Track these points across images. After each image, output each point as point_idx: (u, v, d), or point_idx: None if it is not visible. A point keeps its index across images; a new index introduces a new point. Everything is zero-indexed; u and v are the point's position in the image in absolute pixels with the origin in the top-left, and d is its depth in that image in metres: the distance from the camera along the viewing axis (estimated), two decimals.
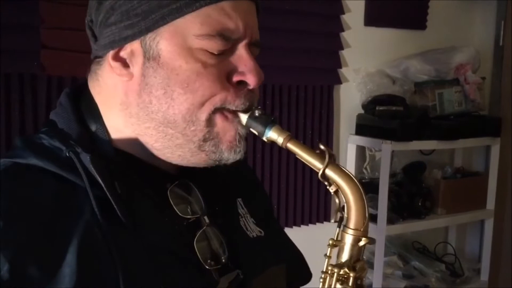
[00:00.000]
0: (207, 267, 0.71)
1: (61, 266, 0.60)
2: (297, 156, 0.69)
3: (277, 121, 0.70)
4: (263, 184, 2.15)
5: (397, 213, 2.33)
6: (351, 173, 0.67)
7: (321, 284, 0.68)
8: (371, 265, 2.35)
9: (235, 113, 0.70)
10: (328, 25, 2.34)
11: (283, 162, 2.23)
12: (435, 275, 2.43)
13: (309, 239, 2.38)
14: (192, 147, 0.69)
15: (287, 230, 2.24)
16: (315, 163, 0.68)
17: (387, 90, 2.41)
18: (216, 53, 0.67)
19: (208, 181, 0.78)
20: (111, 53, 0.69)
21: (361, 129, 2.39)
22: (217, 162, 0.71)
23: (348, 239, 0.67)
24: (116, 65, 0.69)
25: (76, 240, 0.62)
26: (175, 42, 0.66)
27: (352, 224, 0.67)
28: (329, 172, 0.67)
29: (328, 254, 0.67)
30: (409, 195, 2.40)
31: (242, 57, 0.69)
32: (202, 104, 0.67)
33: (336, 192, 0.67)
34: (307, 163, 0.68)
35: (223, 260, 0.73)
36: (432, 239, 2.71)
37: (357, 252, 0.67)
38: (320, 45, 2.33)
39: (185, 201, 0.75)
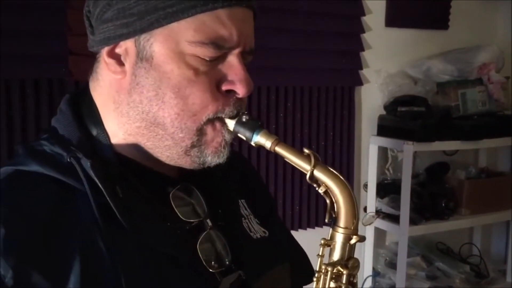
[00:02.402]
0: (210, 269, 0.72)
1: (67, 274, 0.61)
2: (285, 159, 0.69)
3: (264, 126, 0.70)
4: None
5: (420, 214, 2.32)
6: (338, 173, 0.68)
7: (315, 283, 0.68)
8: (394, 266, 2.35)
9: (223, 120, 0.70)
10: (349, 26, 2.35)
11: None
12: (460, 276, 2.41)
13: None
14: (180, 150, 0.70)
15: (307, 232, 2.27)
16: (303, 165, 0.68)
17: (409, 91, 2.41)
18: (207, 59, 0.67)
19: (210, 184, 0.78)
20: (106, 49, 0.69)
21: (383, 130, 2.39)
22: (201, 165, 0.72)
23: (339, 238, 0.67)
24: (111, 62, 0.69)
25: (80, 247, 0.62)
26: (168, 46, 0.66)
27: (342, 223, 0.67)
28: (317, 173, 0.67)
29: (320, 254, 0.68)
30: (432, 195, 2.39)
31: (233, 65, 0.69)
32: (194, 114, 0.68)
33: (325, 192, 0.68)
34: (295, 166, 0.69)
35: (227, 262, 0.74)
36: (457, 240, 2.69)
37: (349, 250, 0.68)
38: (341, 47, 2.35)
39: (188, 204, 0.75)
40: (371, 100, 2.46)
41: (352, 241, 0.67)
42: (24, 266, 0.60)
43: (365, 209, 2.44)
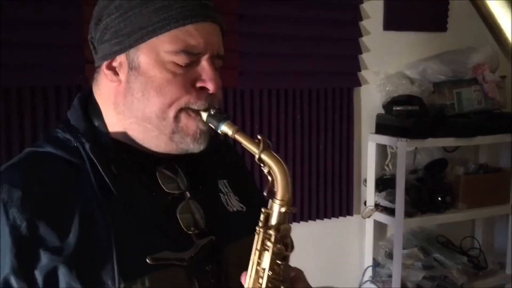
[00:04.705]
0: (189, 232, 0.89)
1: (68, 228, 0.79)
2: (242, 144, 0.86)
3: (230, 118, 0.88)
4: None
5: (417, 208, 2.45)
6: (280, 158, 0.83)
7: (254, 242, 0.83)
8: (391, 256, 2.48)
9: (197, 112, 0.88)
10: (348, 31, 2.50)
11: (305, 158, 2.42)
12: (456, 267, 2.51)
13: (330, 233, 2.55)
14: (165, 138, 0.88)
15: (309, 224, 2.43)
16: (254, 149, 0.83)
17: (406, 91, 2.53)
18: (183, 65, 0.85)
19: (193, 165, 0.95)
20: (105, 63, 0.89)
21: (381, 128, 2.53)
22: (185, 151, 0.90)
23: (276, 207, 0.83)
24: (109, 73, 0.88)
25: (80, 209, 0.81)
26: (151, 56, 0.85)
27: (279, 196, 0.83)
28: (263, 156, 0.82)
29: (260, 219, 0.84)
30: (430, 190, 2.51)
31: (205, 68, 0.88)
32: (170, 104, 0.86)
33: (269, 172, 0.84)
34: (248, 150, 0.85)
35: (203, 228, 0.91)
36: (458, 234, 2.79)
37: (283, 217, 0.83)
38: (341, 51, 2.50)
39: (172, 180, 0.92)
40: (370, 100, 2.60)
41: (282, 210, 0.83)
42: (36, 220, 0.79)
43: (365, 203, 2.59)
